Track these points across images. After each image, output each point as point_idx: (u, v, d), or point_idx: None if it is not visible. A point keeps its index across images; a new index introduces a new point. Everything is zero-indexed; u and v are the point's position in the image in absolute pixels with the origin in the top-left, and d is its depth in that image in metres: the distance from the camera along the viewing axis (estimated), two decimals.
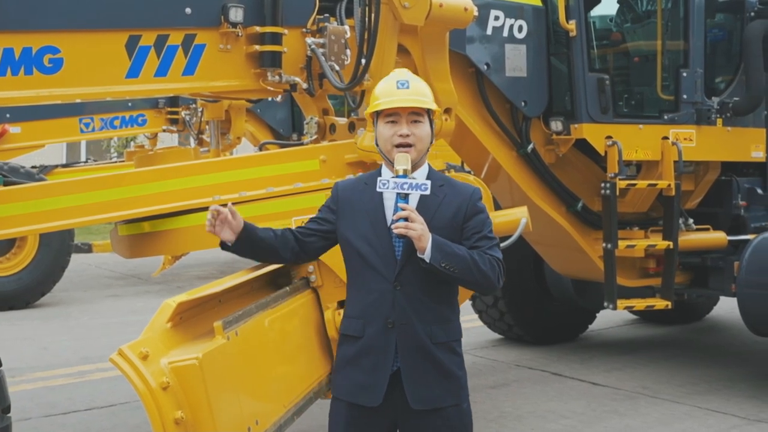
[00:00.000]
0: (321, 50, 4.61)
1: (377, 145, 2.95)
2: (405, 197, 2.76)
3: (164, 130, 12.34)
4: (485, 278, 2.79)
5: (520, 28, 5.74)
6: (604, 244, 5.86)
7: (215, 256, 13.09)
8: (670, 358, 7.06)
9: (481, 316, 7.61)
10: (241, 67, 4.51)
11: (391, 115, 2.87)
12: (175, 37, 4.27)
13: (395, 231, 2.72)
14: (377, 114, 2.92)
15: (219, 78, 4.49)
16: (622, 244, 5.85)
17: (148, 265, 11.20)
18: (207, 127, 10.75)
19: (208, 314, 3.38)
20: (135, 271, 12.19)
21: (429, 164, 2.97)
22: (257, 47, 4.44)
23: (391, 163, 2.86)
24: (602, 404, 5.77)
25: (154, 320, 3.08)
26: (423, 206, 2.80)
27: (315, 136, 5.14)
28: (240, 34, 4.42)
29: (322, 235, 3.03)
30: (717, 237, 6.32)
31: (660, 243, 5.92)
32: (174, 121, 11.96)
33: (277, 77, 4.53)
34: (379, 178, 2.79)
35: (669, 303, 5.99)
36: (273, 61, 4.50)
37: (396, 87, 2.89)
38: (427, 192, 2.75)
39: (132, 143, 18.66)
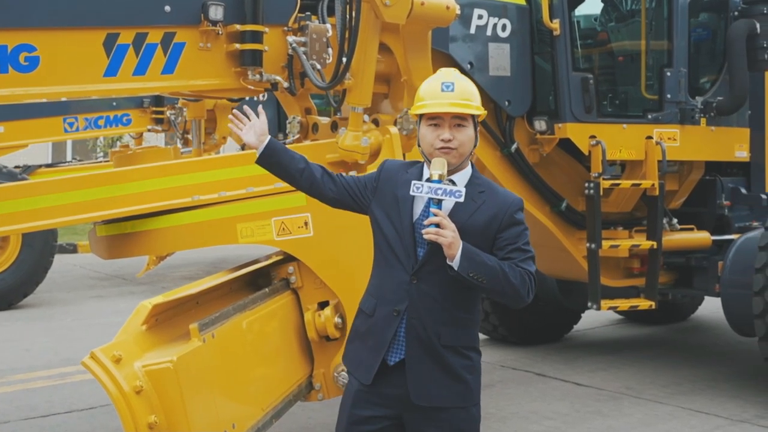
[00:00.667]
0: (302, 49, 4.57)
1: (419, 146, 2.87)
2: (438, 202, 2.69)
3: (149, 130, 12.24)
4: (514, 291, 2.73)
5: (504, 27, 5.71)
6: (587, 244, 5.83)
7: (201, 256, 13.00)
8: (655, 358, 7.06)
9: None
10: (222, 66, 4.47)
11: (434, 117, 2.80)
12: (154, 36, 4.22)
13: (425, 237, 2.67)
14: (420, 115, 2.85)
15: (199, 77, 4.44)
16: (606, 244, 5.82)
17: (133, 265, 11.11)
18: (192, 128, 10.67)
19: (185, 316, 3.35)
20: (120, 271, 12.10)
21: (473, 167, 2.89)
22: (237, 45, 4.40)
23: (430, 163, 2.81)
24: (586, 405, 5.75)
25: (129, 322, 3.05)
26: (457, 210, 2.75)
27: (297, 136, 5.10)
28: (220, 33, 4.38)
29: (349, 192, 2.96)
30: (701, 237, 6.31)
31: (644, 243, 5.90)
32: (159, 121, 11.86)
33: (257, 76, 4.48)
34: (413, 182, 2.73)
35: (653, 303, 5.98)
36: (254, 59, 4.46)
37: (440, 89, 2.81)
38: (461, 199, 2.68)
39: (118, 143, 18.55)
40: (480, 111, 2.84)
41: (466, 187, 2.74)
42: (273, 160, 2.98)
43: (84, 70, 4.05)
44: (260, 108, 3.06)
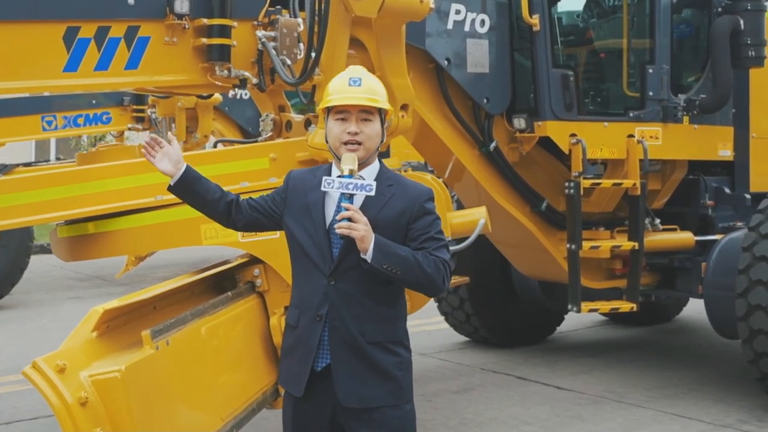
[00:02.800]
0: (272, 44, 4.45)
1: (326, 141, 2.90)
2: (350, 197, 2.71)
3: (129, 128, 12.07)
4: (429, 280, 2.77)
5: (483, 23, 5.57)
6: (567, 245, 5.70)
7: (184, 256, 12.80)
8: (638, 360, 6.94)
9: (447, 319, 7.47)
10: (188, 61, 4.35)
11: (342, 112, 2.84)
12: (117, 29, 4.10)
13: (338, 231, 2.69)
14: (328, 110, 2.88)
15: (164, 72, 4.32)
16: (586, 244, 5.69)
17: (114, 266, 10.95)
18: (173, 125, 10.51)
19: (141, 322, 3.20)
20: (100, 272, 11.93)
21: (381, 162, 2.93)
22: (205, 40, 4.30)
23: (339, 160, 2.83)
24: (566, 409, 5.61)
25: (78, 329, 2.91)
26: (367, 205, 2.76)
27: (270, 134, 4.97)
28: (187, 27, 4.27)
29: (260, 211, 2.97)
30: (684, 237, 6.19)
31: (625, 244, 5.77)
32: (140, 119, 11.69)
33: (225, 72, 4.39)
34: (324, 178, 2.76)
35: (634, 305, 5.85)
36: (221, 54, 4.35)
37: (348, 84, 2.86)
38: (372, 193, 2.71)
39: (102, 141, 18.34)
40: (386, 106, 2.88)
41: (374, 181, 2.76)
42: (189, 189, 2.94)
43: (43, 65, 3.92)
44: (171, 134, 3.04)
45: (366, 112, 2.83)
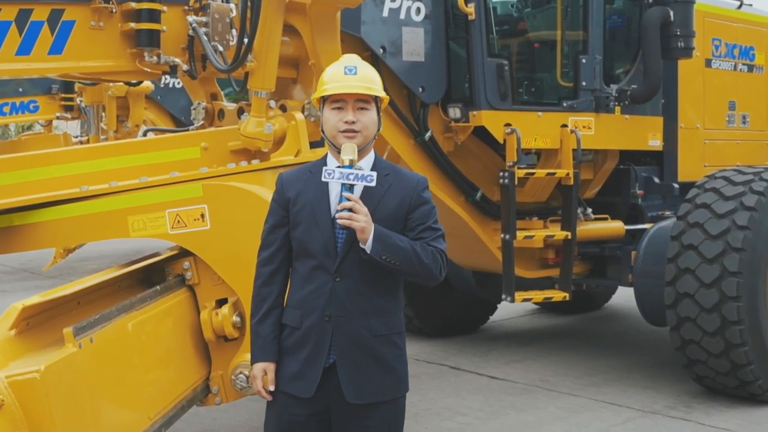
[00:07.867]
0: (203, 29, 4.35)
1: (323, 131, 2.88)
2: (350, 188, 2.70)
3: (58, 117, 11.71)
4: (427, 270, 2.79)
5: (418, 11, 5.54)
6: (502, 235, 5.72)
7: (115, 247, 12.50)
8: (570, 348, 7.03)
9: None
10: (116, 47, 4.23)
11: (338, 101, 2.82)
12: (40, 12, 3.96)
13: (339, 221, 2.69)
14: (324, 100, 2.86)
15: (91, 58, 4.19)
16: (520, 234, 5.72)
17: (41, 258, 10.62)
18: (103, 114, 10.22)
19: (64, 318, 3.07)
20: (28, 264, 11.58)
21: (375, 152, 2.91)
22: (133, 25, 4.17)
23: (336, 150, 2.81)
24: (499, 399, 5.65)
25: None
26: (367, 196, 2.75)
27: (202, 122, 4.85)
28: (114, 11, 4.15)
29: (283, 240, 2.91)
30: (615, 227, 6.28)
31: (558, 233, 5.82)
32: (69, 108, 11.35)
33: (155, 58, 4.27)
34: (324, 168, 2.73)
35: (567, 295, 5.90)
36: (150, 40, 4.24)
37: (343, 72, 2.85)
38: (373, 184, 2.70)
39: (30, 130, 17.77)
40: (382, 94, 2.86)
41: (374, 171, 2.73)
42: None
43: None
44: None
45: (362, 101, 2.81)
